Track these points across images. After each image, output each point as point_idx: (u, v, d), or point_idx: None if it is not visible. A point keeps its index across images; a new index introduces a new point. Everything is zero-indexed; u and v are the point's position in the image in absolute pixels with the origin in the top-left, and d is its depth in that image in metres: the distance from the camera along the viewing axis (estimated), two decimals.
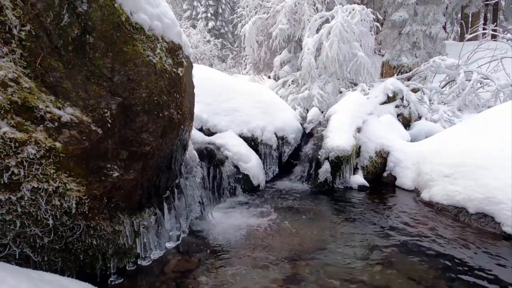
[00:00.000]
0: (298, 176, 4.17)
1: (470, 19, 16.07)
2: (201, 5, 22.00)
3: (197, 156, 2.87)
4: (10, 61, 1.23)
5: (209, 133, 3.70)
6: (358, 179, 3.89)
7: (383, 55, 11.38)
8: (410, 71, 8.28)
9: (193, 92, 2.53)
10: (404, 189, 3.79)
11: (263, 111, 4.23)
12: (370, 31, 7.03)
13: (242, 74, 13.87)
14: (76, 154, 1.42)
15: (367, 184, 3.85)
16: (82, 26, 1.45)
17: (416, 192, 3.62)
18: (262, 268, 1.99)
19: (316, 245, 2.32)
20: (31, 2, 1.27)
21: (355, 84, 6.88)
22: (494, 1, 13.79)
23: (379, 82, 6.84)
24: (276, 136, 4.20)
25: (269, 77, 11.11)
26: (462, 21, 15.20)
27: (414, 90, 6.62)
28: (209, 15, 21.89)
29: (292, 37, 8.87)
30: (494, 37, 9.44)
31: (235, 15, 12.61)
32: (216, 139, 3.52)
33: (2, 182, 1.28)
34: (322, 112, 5.23)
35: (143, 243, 1.98)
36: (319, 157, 3.86)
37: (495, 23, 13.86)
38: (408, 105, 5.78)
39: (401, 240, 2.40)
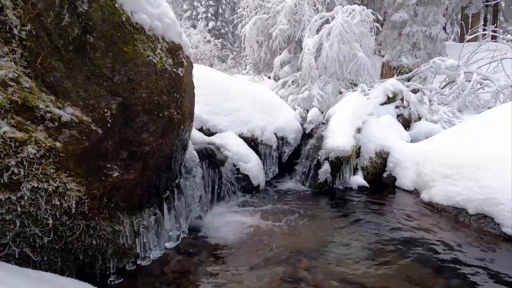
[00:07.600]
0: (298, 176, 4.17)
1: (470, 20, 16.05)
2: (202, 5, 22.03)
3: (197, 156, 2.87)
4: (11, 61, 1.23)
5: (209, 133, 3.70)
6: (358, 179, 3.90)
7: (383, 56, 11.39)
8: (410, 71, 8.27)
9: (193, 92, 2.53)
10: (404, 190, 3.79)
11: (263, 111, 4.23)
12: (370, 31, 7.02)
13: (242, 74, 13.87)
14: (76, 154, 1.42)
15: (367, 184, 3.85)
16: (83, 26, 1.45)
17: (416, 192, 3.62)
18: (262, 268, 1.99)
19: (316, 245, 2.32)
20: (31, 2, 1.27)
21: (355, 85, 6.87)
22: (494, 2, 13.80)
23: (379, 82, 6.84)
24: (276, 136, 4.20)
25: (269, 78, 11.09)
26: (462, 22, 15.20)
27: (414, 91, 6.61)
28: (209, 15, 21.92)
29: (292, 37, 8.86)
30: (494, 38, 9.44)
31: (235, 15, 12.60)
32: (216, 139, 3.51)
33: (2, 181, 1.28)
34: (322, 112, 5.23)
35: (142, 243, 1.98)
36: (319, 157, 3.86)
37: (495, 24, 13.89)
38: (408, 105, 5.78)
39: (400, 241, 2.40)
